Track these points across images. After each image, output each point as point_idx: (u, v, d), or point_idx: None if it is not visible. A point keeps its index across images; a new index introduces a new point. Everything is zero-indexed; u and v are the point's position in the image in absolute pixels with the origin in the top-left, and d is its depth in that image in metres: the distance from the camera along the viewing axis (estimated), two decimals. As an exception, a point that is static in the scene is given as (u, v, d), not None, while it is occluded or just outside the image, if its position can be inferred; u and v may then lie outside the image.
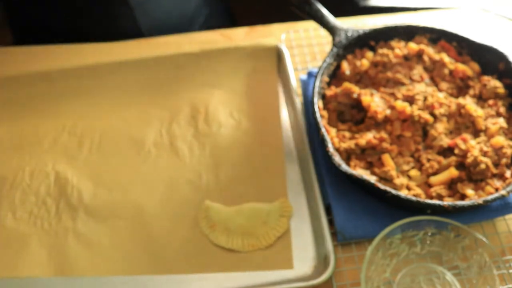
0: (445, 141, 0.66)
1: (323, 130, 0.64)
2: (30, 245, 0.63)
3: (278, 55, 0.81)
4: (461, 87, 0.73)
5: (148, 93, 0.78)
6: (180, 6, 0.91)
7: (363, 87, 0.72)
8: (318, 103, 0.68)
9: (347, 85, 0.71)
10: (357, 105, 0.71)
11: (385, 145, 0.66)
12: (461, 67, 0.73)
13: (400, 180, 0.63)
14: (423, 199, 0.61)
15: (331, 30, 0.75)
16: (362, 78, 0.74)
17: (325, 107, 0.71)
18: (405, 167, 0.65)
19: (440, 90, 0.72)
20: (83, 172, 0.69)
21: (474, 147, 0.64)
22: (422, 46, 0.74)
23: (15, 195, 0.67)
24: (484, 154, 0.64)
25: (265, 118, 0.75)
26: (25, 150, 0.72)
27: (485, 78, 0.72)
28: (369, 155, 0.66)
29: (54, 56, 0.82)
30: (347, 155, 0.66)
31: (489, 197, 0.59)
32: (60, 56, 0.82)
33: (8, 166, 0.70)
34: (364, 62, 0.74)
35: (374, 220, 0.63)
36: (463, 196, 0.62)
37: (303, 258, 0.61)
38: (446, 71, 0.73)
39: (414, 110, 0.67)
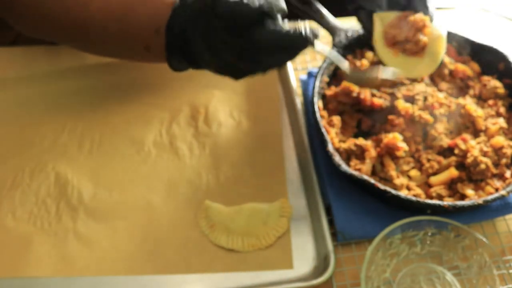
0: (445, 141, 0.66)
1: (323, 130, 0.64)
2: (30, 245, 0.62)
3: (278, 55, 0.81)
4: (461, 87, 0.73)
5: (148, 93, 0.78)
6: None
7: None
8: (318, 103, 0.68)
9: (346, 84, 0.71)
10: (357, 103, 0.71)
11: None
12: (461, 67, 0.73)
13: (400, 180, 0.63)
14: (423, 199, 0.61)
15: (331, 30, 0.75)
16: (362, 78, 0.74)
17: (325, 107, 0.71)
18: (405, 167, 0.65)
19: (440, 90, 0.72)
20: (83, 172, 0.69)
21: (474, 147, 0.64)
22: (422, 46, 0.74)
23: (15, 195, 0.67)
24: (484, 154, 0.64)
25: (265, 118, 0.75)
26: (25, 150, 0.71)
27: (485, 78, 0.72)
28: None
29: (54, 56, 0.82)
30: (347, 155, 0.66)
31: (489, 197, 0.59)
32: (60, 56, 0.82)
33: (8, 166, 0.70)
34: (364, 62, 0.74)
35: (374, 220, 0.63)
36: (463, 196, 0.62)
37: (303, 258, 0.61)
38: (446, 71, 0.73)
39: (415, 111, 0.67)
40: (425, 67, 0.69)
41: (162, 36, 0.57)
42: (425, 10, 0.69)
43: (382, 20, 0.69)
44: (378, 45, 0.70)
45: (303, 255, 0.62)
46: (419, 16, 0.68)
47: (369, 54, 0.75)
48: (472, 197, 0.61)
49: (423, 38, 0.68)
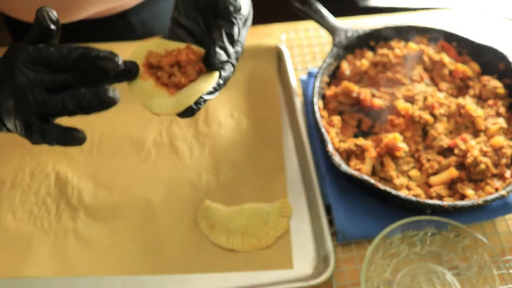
0: (445, 141, 0.66)
1: (323, 130, 0.64)
2: (30, 245, 0.63)
3: (278, 55, 0.81)
4: (461, 87, 0.73)
5: (148, 93, 0.78)
6: None
7: (363, 87, 0.72)
8: (318, 103, 0.68)
9: (346, 84, 0.71)
10: (357, 103, 0.71)
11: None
12: (461, 67, 0.73)
13: (400, 180, 0.63)
14: (423, 199, 0.61)
15: (331, 30, 0.75)
16: (362, 78, 0.74)
17: (325, 107, 0.71)
18: (405, 167, 0.65)
19: (440, 90, 0.72)
20: (83, 172, 0.69)
21: (474, 147, 0.64)
22: (422, 46, 0.74)
23: (15, 195, 0.67)
24: (484, 154, 0.64)
25: (265, 118, 0.75)
26: (26, 150, 0.72)
27: (485, 78, 0.72)
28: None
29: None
30: (347, 155, 0.66)
31: (489, 197, 0.59)
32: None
33: (8, 166, 0.70)
34: (364, 62, 0.74)
35: (374, 220, 0.63)
36: (463, 196, 0.62)
37: (303, 258, 0.61)
38: (446, 71, 0.73)
39: (415, 111, 0.67)
40: (165, 105, 0.52)
41: None
42: (214, 60, 0.50)
43: (163, 44, 0.53)
44: (135, 59, 0.52)
45: (303, 255, 0.62)
46: (197, 51, 0.51)
47: (369, 54, 0.75)
48: (472, 197, 0.61)
49: (180, 77, 0.52)
